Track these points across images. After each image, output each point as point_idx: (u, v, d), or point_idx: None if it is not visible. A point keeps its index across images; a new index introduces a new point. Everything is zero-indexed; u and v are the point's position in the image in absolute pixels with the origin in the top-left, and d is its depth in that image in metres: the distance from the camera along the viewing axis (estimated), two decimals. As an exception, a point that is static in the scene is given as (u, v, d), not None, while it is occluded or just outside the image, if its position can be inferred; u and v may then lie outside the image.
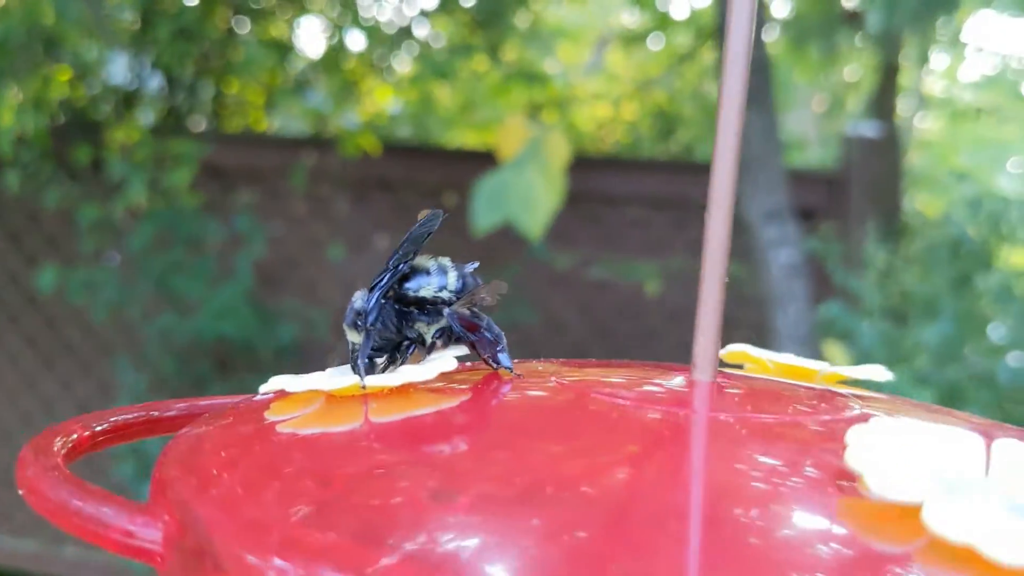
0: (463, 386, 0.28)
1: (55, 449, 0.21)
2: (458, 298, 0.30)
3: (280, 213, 2.29)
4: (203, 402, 0.30)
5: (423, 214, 0.32)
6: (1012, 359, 1.57)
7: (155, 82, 2.89)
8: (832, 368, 0.30)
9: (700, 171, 2.27)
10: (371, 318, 0.29)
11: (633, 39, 3.00)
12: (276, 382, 0.26)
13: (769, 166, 1.52)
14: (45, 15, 2.06)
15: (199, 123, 2.69)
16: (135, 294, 2.07)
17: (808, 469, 0.20)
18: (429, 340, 0.30)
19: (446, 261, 0.31)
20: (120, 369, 2.15)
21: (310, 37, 3.10)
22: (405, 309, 0.30)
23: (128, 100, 2.69)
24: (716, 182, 0.27)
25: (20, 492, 0.20)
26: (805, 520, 0.18)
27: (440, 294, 0.30)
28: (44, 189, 2.14)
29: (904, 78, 3.15)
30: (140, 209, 2.08)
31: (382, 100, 3.13)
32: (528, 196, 1.52)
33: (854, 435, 0.18)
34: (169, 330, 2.08)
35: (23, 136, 2.02)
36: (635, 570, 0.14)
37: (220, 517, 0.16)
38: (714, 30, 1.69)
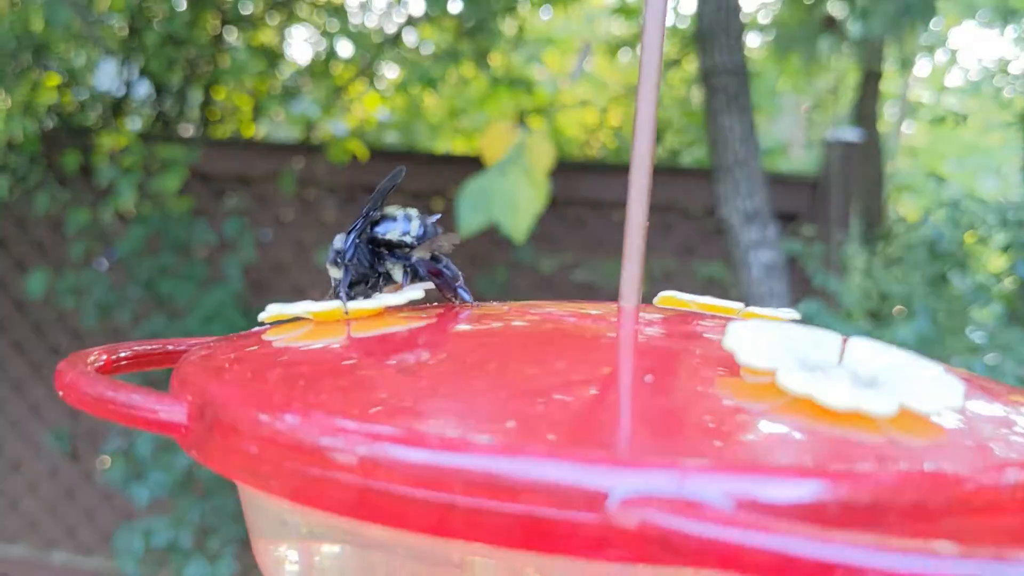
0: (429, 313, 0.33)
1: (86, 363, 0.24)
2: (419, 242, 0.35)
3: (269, 218, 2.31)
4: (212, 340, 0.32)
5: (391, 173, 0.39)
6: (990, 359, 1.60)
7: (143, 89, 2.91)
8: (749, 308, 0.34)
9: (685, 176, 2.30)
10: (348, 255, 0.34)
11: (617, 47, 3.03)
12: (270, 308, 0.30)
13: (749, 169, 1.55)
14: (34, 22, 2.08)
15: (188, 129, 2.71)
16: (124, 298, 2.08)
17: (697, 352, 0.23)
18: (399, 277, 0.35)
19: (412, 211, 0.36)
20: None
21: (298, 44, 3.12)
22: (376, 250, 0.35)
23: (117, 107, 2.71)
24: (639, 127, 0.29)
25: (60, 393, 0.22)
26: (688, 382, 0.20)
27: (404, 238, 0.35)
28: (33, 194, 2.16)
29: (887, 84, 3.19)
30: (130, 214, 2.09)
31: (370, 107, 3.15)
32: (512, 199, 1.54)
33: (733, 327, 0.21)
34: (158, 334, 2.09)
35: (12, 142, 2.04)
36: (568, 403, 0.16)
37: (233, 391, 0.18)
38: (694, 38, 1.72)
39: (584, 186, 2.24)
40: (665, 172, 2.43)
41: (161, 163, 2.02)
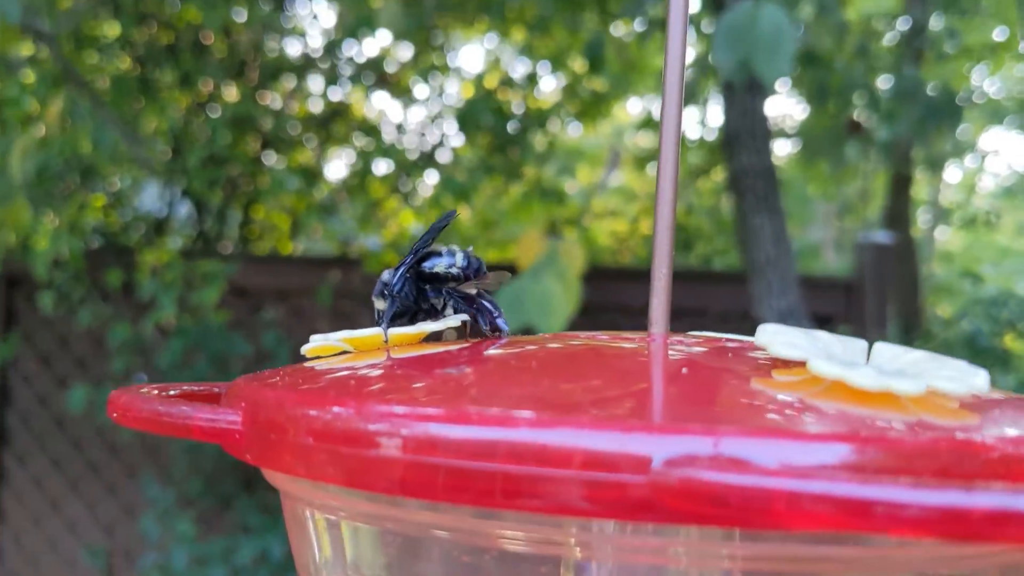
0: (468, 341, 0.34)
1: (138, 390, 0.25)
2: (465, 273, 0.36)
3: (305, 331, 2.33)
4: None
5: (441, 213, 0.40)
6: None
7: (184, 209, 2.99)
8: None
9: (717, 280, 2.31)
10: (395, 287, 0.35)
11: (647, 159, 3.09)
12: (313, 339, 0.31)
13: (781, 268, 1.55)
14: (82, 144, 2.16)
15: (227, 247, 2.77)
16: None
17: (729, 356, 0.23)
18: (440, 310, 0.36)
19: (455, 246, 0.36)
20: (146, 487, 2.16)
21: (335, 162, 3.21)
22: (422, 285, 0.36)
23: (159, 226, 2.78)
24: (663, 164, 0.29)
25: (114, 416, 0.23)
26: (724, 376, 0.20)
27: (450, 270, 0.36)
28: (76, 310, 2.20)
29: (918, 190, 3.20)
30: (169, 327, 2.13)
31: (405, 222, 3.21)
32: (546, 301, 1.55)
33: (764, 327, 0.21)
34: (195, 449, 2.10)
35: (58, 259, 2.09)
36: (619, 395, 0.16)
37: (285, 394, 0.19)
38: (722, 143, 1.75)
39: (616, 292, 2.25)
40: (697, 278, 2.44)
41: (201, 277, 2.06)
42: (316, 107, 2.97)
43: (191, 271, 2.12)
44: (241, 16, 2.57)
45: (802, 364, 0.20)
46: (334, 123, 2.93)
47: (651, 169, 3.21)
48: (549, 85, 3.04)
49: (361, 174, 2.74)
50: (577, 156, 3.25)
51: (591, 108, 2.94)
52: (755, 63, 1.28)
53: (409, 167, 2.73)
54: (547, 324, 1.55)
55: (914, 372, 0.19)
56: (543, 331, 1.54)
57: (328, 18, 2.82)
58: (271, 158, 2.82)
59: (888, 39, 2.58)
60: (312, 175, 2.80)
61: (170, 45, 2.62)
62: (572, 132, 3.45)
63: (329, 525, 0.21)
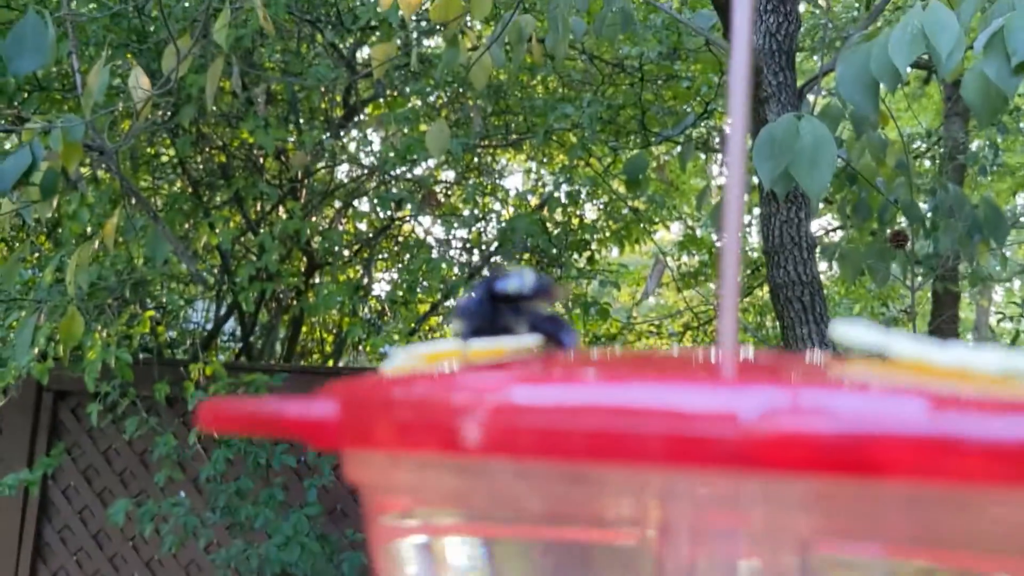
0: (543, 354, 0.34)
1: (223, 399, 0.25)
2: (534, 293, 0.38)
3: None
4: None
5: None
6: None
7: (231, 325, 3.03)
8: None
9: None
10: (471, 306, 0.37)
11: (690, 277, 3.10)
12: (393, 353, 0.31)
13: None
14: (136, 259, 2.21)
15: (272, 361, 2.79)
16: (203, 523, 2.08)
17: (803, 360, 0.22)
18: (515, 329, 0.37)
19: (525, 268, 0.38)
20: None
21: (381, 279, 3.26)
22: (497, 306, 0.37)
23: (206, 341, 2.82)
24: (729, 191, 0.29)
25: (202, 424, 0.23)
26: (800, 366, 0.20)
27: (521, 290, 0.37)
28: (122, 422, 2.22)
29: (965, 310, 3.17)
30: (212, 439, 2.13)
31: (449, 334, 3.23)
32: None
33: (835, 324, 0.21)
34: (234, 559, 2.07)
35: (106, 370, 2.12)
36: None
37: (381, 383, 0.19)
38: (765, 253, 1.75)
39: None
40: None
41: (245, 388, 2.07)
42: (363, 225, 3.03)
43: (236, 383, 2.14)
44: (292, 137, 2.66)
45: (876, 358, 0.19)
46: (381, 241, 2.99)
47: (693, 288, 3.21)
48: (590, 206, 3.09)
49: (406, 290, 2.77)
50: (618, 274, 3.27)
51: (632, 227, 2.97)
52: (797, 173, 1.29)
53: (453, 284, 2.76)
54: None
55: (994, 359, 0.19)
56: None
57: (377, 141, 2.91)
58: (318, 273, 2.87)
59: (929, 156, 2.60)
60: (358, 292, 2.84)
61: (223, 164, 2.71)
62: (613, 253, 3.48)
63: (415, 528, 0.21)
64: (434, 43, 2.85)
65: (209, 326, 2.93)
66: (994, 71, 1.24)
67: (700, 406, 0.15)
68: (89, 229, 2.20)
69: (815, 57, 3.08)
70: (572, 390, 0.16)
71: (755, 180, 1.86)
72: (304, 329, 3.15)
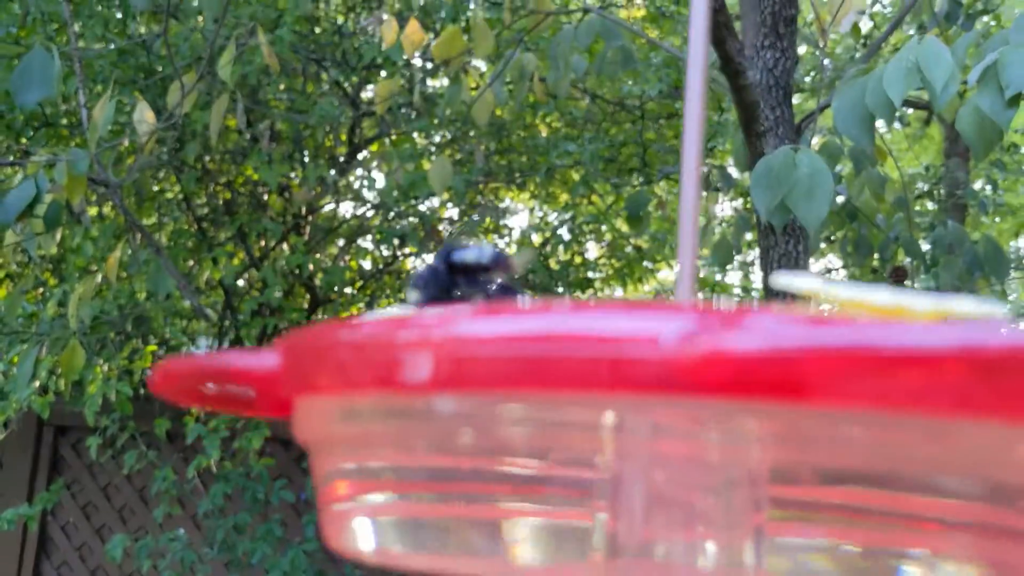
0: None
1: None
2: (493, 264, 0.38)
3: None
4: None
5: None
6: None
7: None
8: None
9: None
10: (426, 275, 0.37)
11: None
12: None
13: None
14: (138, 293, 2.22)
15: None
16: (201, 559, 2.06)
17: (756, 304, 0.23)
18: (472, 300, 0.37)
19: (484, 242, 0.38)
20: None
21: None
22: (454, 276, 0.38)
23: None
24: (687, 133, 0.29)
25: (153, 386, 0.23)
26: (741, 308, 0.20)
27: (480, 259, 0.38)
28: (121, 456, 2.21)
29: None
30: (210, 473, 2.12)
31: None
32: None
33: (776, 275, 0.21)
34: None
35: (106, 404, 2.12)
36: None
37: (319, 329, 0.19)
38: (763, 291, 1.76)
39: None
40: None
41: (245, 422, 2.07)
42: (367, 263, 3.04)
43: (236, 420, 2.13)
44: (296, 174, 2.68)
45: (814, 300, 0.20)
46: (384, 277, 2.99)
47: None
48: (593, 244, 3.10)
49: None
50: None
51: (634, 266, 2.98)
52: (794, 204, 1.30)
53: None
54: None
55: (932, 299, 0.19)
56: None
57: (381, 179, 2.92)
58: (321, 310, 2.88)
59: (930, 196, 2.61)
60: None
61: (227, 201, 2.72)
62: (616, 291, 3.48)
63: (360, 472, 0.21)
64: (439, 84, 2.88)
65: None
66: (988, 104, 1.25)
67: (622, 329, 0.15)
68: (92, 264, 2.21)
69: (817, 100, 3.10)
70: (498, 322, 0.16)
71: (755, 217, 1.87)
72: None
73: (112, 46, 2.25)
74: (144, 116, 1.74)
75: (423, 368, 0.16)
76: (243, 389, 0.25)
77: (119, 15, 2.40)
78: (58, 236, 2.11)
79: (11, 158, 2.18)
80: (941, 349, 0.12)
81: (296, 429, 0.22)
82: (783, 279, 0.21)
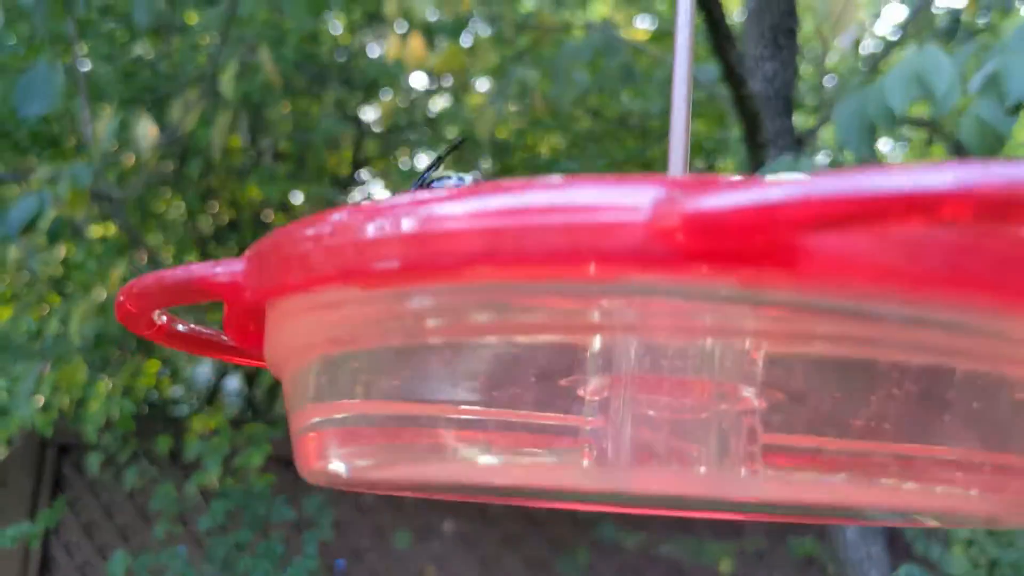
0: None
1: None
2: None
3: (349, 497, 2.31)
4: None
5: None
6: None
7: (235, 383, 3.03)
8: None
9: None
10: None
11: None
12: None
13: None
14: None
15: (275, 417, 2.78)
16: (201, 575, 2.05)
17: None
18: None
19: (465, 174, 0.36)
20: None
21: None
22: None
23: (210, 398, 2.81)
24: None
25: (121, 310, 0.22)
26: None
27: (459, 187, 0.35)
28: (123, 473, 2.20)
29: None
30: (212, 490, 2.11)
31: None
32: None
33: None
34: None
35: (108, 421, 2.11)
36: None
37: (285, 229, 0.18)
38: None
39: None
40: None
41: (247, 440, 2.06)
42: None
43: (238, 437, 2.13)
44: (297, 198, 2.68)
45: None
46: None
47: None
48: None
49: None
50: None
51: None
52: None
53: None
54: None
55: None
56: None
57: (383, 196, 2.93)
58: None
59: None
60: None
61: (233, 221, 2.73)
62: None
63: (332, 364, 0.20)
64: (442, 103, 2.89)
65: (213, 384, 2.92)
66: (989, 112, 1.25)
67: (597, 197, 0.15)
68: (95, 281, 2.21)
69: (818, 116, 3.11)
70: (466, 199, 0.16)
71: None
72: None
73: (117, 65, 2.26)
74: (146, 131, 1.74)
75: (390, 249, 0.16)
76: (213, 329, 0.24)
77: (125, 34, 2.42)
78: (61, 252, 2.12)
79: (13, 170, 2.18)
80: (941, 186, 0.12)
81: (267, 349, 0.21)
82: (770, 175, 0.21)
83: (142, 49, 2.47)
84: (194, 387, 3.01)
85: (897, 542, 1.67)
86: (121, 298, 0.22)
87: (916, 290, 0.15)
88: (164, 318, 0.24)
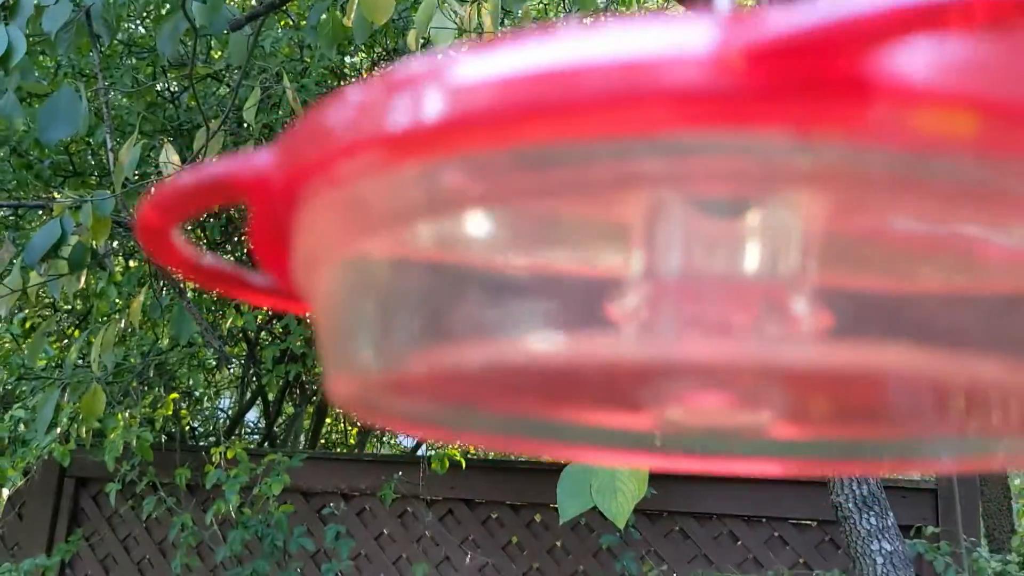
0: None
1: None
2: None
3: (368, 530, 2.28)
4: None
5: None
6: None
7: (255, 415, 3.02)
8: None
9: (796, 485, 2.21)
10: None
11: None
12: None
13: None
14: (162, 340, 2.23)
15: (294, 447, 2.77)
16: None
17: None
18: None
19: None
20: None
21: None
22: None
23: (230, 429, 2.81)
24: None
25: (144, 220, 0.20)
26: None
27: None
28: (141, 502, 2.19)
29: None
30: (229, 523, 2.10)
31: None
32: (611, 481, 1.50)
33: None
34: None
35: (127, 449, 2.11)
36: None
37: (311, 118, 0.17)
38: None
39: (686, 494, 2.18)
40: (773, 483, 2.35)
41: (266, 468, 2.05)
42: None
43: (256, 467, 2.12)
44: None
45: None
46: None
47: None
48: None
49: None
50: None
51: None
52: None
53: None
54: (613, 506, 1.49)
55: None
56: (610, 513, 1.48)
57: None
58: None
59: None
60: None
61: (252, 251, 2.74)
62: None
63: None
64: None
65: (232, 415, 2.92)
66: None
67: (647, 39, 0.13)
68: (117, 310, 2.22)
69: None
70: (502, 52, 0.14)
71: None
72: (328, 420, 3.13)
73: (141, 97, 2.28)
74: (170, 158, 1.75)
75: (423, 111, 0.15)
76: (238, 209, 0.23)
77: (149, 68, 2.44)
78: (82, 279, 2.13)
79: (33, 197, 2.20)
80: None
81: (297, 251, 0.20)
82: None
83: (165, 83, 2.50)
84: (215, 419, 3.00)
85: (925, 572, 1.64)
86: (145, 210, 0.20)
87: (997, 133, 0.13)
88: (187, 249, 0.22)
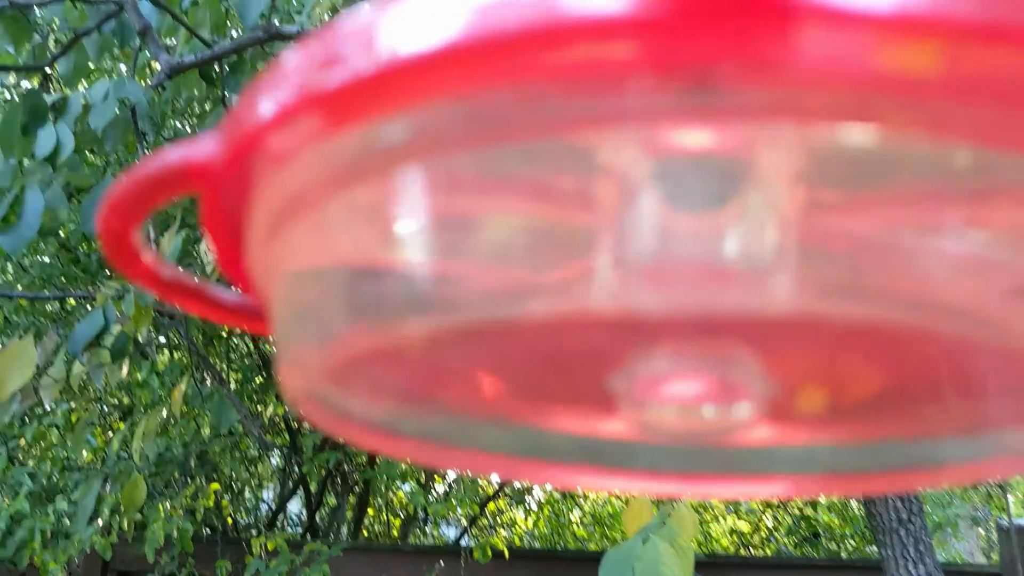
0: None
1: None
2: None
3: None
4: None
5: None
6: None
7: (297, 507, 3.00)
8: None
9: (845, 569, 2.14)
10: None
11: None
12: None
13: (914, 528, 1.43)
14: (203, 430, 2.23)
15: (339, 536, 2.73)
16: None
17: None
18: None
19: None
20: None
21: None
22: None
23: (271, 521, 2.79)
24: None
25: (104, 238, 0.20)
26: None
27: None
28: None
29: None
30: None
31: (517, 526, 3.13)
32: (655, 567, 1.45)
33: None
34: None
35: (168, 543, 2.10)
36: None
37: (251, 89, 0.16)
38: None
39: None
40: (822, 568, 2.27)
41: (306, 558, 2.02)
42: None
43: (297, 557, 2.09)
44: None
45: None
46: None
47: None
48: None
49: (470, 478, 2.73)
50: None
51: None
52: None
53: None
54: (658, 589, 1.45)
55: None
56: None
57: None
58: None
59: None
60: (425, 477, 2.80)
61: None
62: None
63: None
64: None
65: (274, 506, 2.90)
66: None
67: None
68: (159, 400, 2.23)
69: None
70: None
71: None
72: (370, 512, 3.10)
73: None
74: (209, 247, 1.78)
75: (353, 65, 0.14)
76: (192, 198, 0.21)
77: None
78: (124, 369, 2.15)
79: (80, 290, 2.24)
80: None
81: (247, 236, 0.19)
82: None
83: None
84: (256, 510, 2.99)
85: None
86: (104, 211, 0.20)
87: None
88: (149, 257, 0.21)
